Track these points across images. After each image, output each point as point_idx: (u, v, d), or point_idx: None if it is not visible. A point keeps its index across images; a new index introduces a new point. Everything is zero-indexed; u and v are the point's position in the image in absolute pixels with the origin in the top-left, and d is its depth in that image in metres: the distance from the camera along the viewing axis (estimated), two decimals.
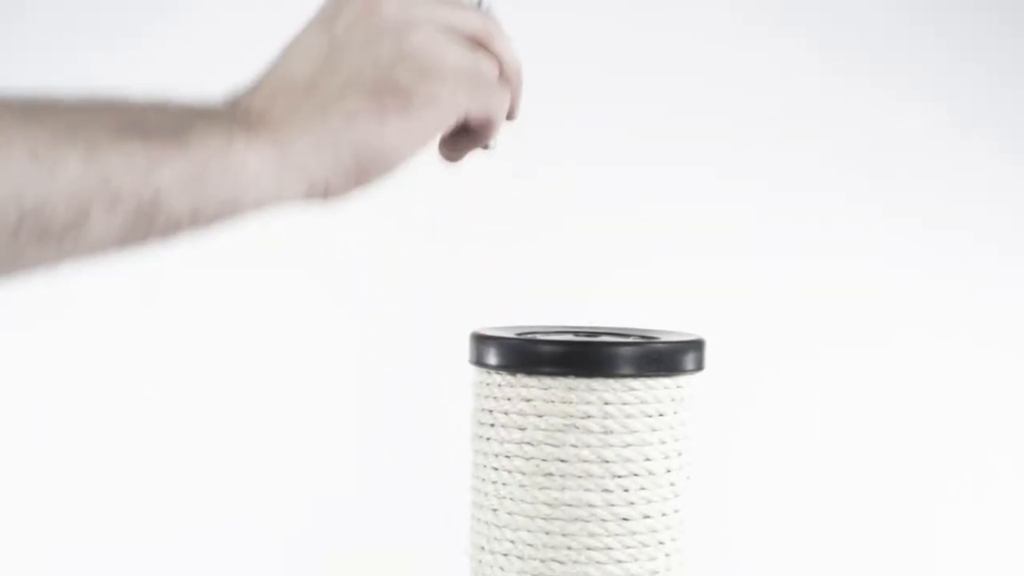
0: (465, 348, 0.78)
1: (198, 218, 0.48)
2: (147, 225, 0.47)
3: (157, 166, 0.46)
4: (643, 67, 1.28)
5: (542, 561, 0.73)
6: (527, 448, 0.73)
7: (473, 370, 0.77)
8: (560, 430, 0.72)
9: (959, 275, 1.33)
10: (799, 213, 1.30)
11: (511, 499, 0.73)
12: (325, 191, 0.53)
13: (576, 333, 0.78)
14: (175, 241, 0.48)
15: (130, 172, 0.46)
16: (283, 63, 0.55)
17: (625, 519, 0.73)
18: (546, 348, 0.73)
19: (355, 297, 1.25)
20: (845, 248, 1.31)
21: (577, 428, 0.72)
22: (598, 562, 0.72)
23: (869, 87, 1.32)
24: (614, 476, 0.72)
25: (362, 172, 0.53)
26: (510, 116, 0.64)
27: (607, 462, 0.72)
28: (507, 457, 0.74)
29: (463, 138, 0.61)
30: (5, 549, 1.17)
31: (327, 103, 0.53)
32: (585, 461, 0.72)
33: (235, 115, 0.51)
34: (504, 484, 0.74)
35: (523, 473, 0.73)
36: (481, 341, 0.75)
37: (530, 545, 0.73)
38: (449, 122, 0.56)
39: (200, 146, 0.48)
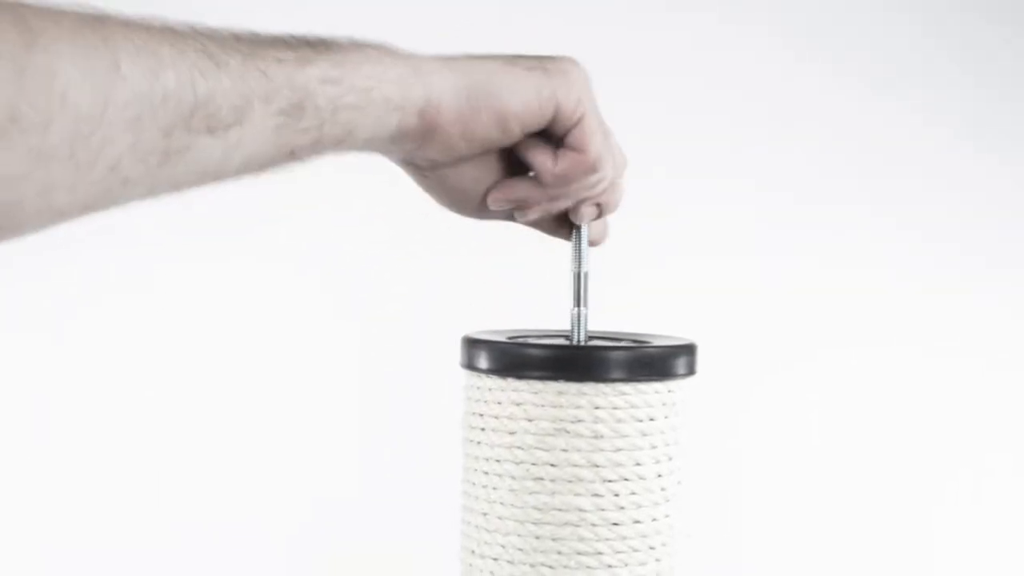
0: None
1: (338, 114, 0.56)
2: (296, 122, 0.54)
3: (305, 64, 0.54)
4: (637, 68, 1.28)
5: (532, 566, 0.72)
6: (517, 452, 0.73)
7: (464, 374, 0.77)
8: (550, 435, 0.72)
9: (956, 279, 1.33)
10: (793, 216, 1.30)
11: (501, 503, 0.73)
12: (437, 111, 0.59)
13: (568, 337, 0.78)
14: (317, 151, 0.56)
15: (282, 69, 0.54)
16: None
17: (615, 524, 0.72)
18: (536, 352, 0.72)
19: (353, 300, 1.25)
20: (840, 251, 1.30)
21: (567, 433, 0.72)
22: (588, 567, 0.72)
23: (866, 89, 1.32)
24: (604, 481, 0.72)
25: (475, 103, 0.60)
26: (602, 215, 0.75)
27: (597, 467, 0.72)
28: (497, 461, 0.73)
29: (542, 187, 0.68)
30: (5, 549, 1.17)
31: (471, 56, 0.61)
32: (575, 466, 0.72)
33: (378, 42, 0.59)
34: (494, 488, 0.74)
35: (513, 478, 0.73)
36: (471, 345, 0.75)
37: (520, 550, 0.73)
38: (566, 101, 0.62)
39: (340, 51, 0.56)
